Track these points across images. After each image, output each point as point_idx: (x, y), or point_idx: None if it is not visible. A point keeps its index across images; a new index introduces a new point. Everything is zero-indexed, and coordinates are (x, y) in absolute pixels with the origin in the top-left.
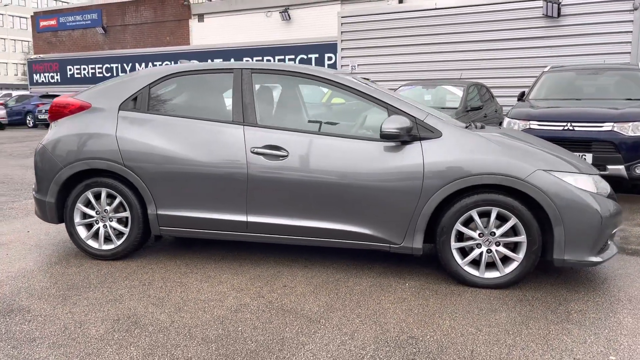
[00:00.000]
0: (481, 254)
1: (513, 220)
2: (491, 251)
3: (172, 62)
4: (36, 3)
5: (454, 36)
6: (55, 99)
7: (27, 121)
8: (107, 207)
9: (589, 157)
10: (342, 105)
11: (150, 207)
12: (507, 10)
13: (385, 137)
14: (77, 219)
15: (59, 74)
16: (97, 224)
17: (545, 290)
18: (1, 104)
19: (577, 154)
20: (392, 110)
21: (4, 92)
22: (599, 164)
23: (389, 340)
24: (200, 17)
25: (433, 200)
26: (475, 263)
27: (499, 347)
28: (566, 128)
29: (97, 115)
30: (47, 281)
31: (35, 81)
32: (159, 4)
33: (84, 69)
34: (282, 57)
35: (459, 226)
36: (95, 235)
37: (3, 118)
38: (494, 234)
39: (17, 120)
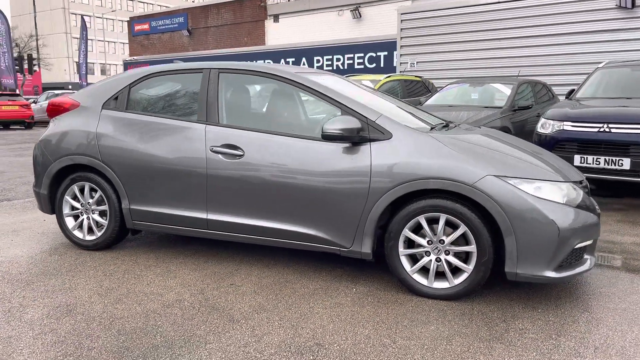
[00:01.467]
0: (430, 262)
1: (462, 229)
2: (440, 260)
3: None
4: (142, 8)
5: (516, 31)
6: (52, 99)
7: None
8: (90, 200)
9: (626, 162)
10: (309, 105)
11: (124, 201)
12: (576, 2)
13: (326, 138)
14: (65, 210)
15: None
16: (82, 215)
17: (499, 304)
18: None
19: (614, 158)
20: (344, 110)
21: None
22: (638, 170)
23: (293, 346)
24: (276, 17)
25: (380, 204)
26: (427, 271)
27: None
28: (602, 130)
29: (83, 114)
30: (26, 267)
31: None
32: (237, 6)
33: None
34: (352, 55)
35: (407, 232)
36: (81, 226)
37: None
38: (444, 241)
39: None
